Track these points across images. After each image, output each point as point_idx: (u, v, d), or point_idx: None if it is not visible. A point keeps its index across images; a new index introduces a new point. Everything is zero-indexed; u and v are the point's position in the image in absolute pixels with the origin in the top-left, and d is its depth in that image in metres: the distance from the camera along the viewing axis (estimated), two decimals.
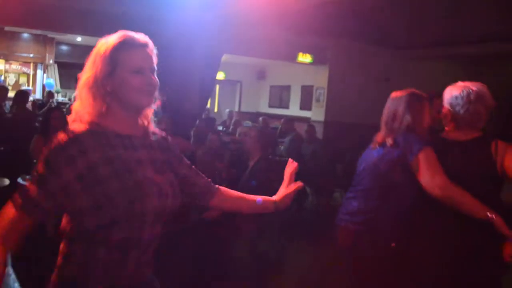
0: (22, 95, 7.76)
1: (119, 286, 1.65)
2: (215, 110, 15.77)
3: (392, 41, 10.54)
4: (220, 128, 10.70)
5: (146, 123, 1.77)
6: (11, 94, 11.22)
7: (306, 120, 10.47)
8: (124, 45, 1.64)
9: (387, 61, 10.74)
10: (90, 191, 1.53)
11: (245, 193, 2.04)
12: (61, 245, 1.66)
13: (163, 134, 1.87)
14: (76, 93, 1.71)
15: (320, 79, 10.88)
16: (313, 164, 7.96)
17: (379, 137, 2.89)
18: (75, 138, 1.55)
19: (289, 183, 2.06)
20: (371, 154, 2.89)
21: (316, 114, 10.98)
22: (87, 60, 1.68)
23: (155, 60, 1.71)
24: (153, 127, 1.81)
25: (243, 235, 5.18)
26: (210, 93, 9.44)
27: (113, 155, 1.59)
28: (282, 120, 9.59)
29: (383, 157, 2.78)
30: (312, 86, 11.45)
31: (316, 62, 10.62)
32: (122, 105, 1.66)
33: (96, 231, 1.56)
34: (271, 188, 5.37)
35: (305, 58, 10.44)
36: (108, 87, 1.62)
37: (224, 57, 10.74)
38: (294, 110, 13.55)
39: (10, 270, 1.52)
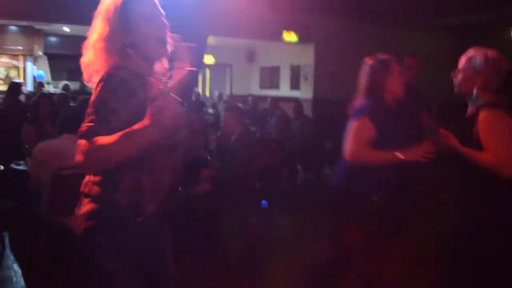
0: (15, 87, 7.87)
1: (156, 210, 1.80)
2: (207, 94, 15.86)
3: (376, 14, 10.61)
4: (211, 111, 10.81)
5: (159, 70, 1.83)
6: (2, 87, 11.38)
7: (296, 99, 10.59)
8: None
9: (371, 35, 10.84)
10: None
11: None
12: (90, 178, 1.76)
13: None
14: (84, 50, 1.76)
15: (306, 57, 10.99)
16: (301, 141, 8.10)
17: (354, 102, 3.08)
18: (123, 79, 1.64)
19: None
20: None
21: (305, 92, 11.11)
22: (93, 20, 1.75)
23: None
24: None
25: (233, 210, 5.34)
26: (197, 75, 9.56)
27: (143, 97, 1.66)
28: (269, 100, 9.70)
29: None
30: (300, 65, 11.56)
31: (301, 40, 10.71)
32: (143, 55, 1.73)
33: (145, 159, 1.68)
34: (254, 163, 5.52)
35: (290, 36, 10.52)
36: (127, 40, 1.70)
37: (213, 41, 10.83)
38: (284, 90, 13.63)
39: (8, 252, 1.61)
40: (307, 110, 9.98)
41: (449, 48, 12.37)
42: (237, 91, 15.19)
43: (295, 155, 8.00)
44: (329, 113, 9.95)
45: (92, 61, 1.73)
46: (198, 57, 9.32)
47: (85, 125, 1.60)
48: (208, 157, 5.50)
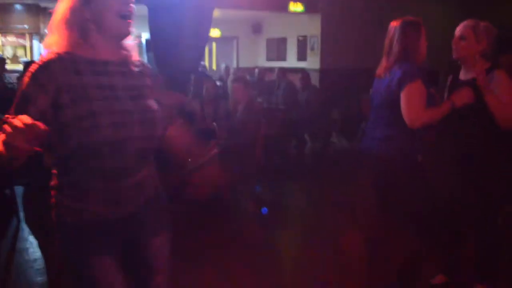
0: (27, 66, 7.94)
1: (116, 213, 1.72)
2: (214, 67, 15.82)
3: None
4: (218, 83, 10.82)
5: (127, 51, 1.80)
6: (9, 66, 11.44)
7: (303, 69, 10.57)
8: None
9: (379, 4, 10.72)
10: (57, 116, 1.59)
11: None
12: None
13: (144, 63, 1.91)
14: (48, 29, 1.71)
15: (313, 27, 10.92)
16: (308, 110, 8.12)
17: (380, 68, 3.02)
18: (45, 65, 1.59)
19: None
20: (379, 85, 3.01)
21: (312, 63, 11.07)
22: None
23: None
24: (136, 57, 1.85)
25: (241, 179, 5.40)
26: (204, 49, 9.52)
27: (75, 82, 1.61)
28: (276, 71, 9.68)
29: (389, 87, 2.89)
30: (307, 36, 11.49)
31: (308, 10, 10.62)
32: (103, 31, 1.67)
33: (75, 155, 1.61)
34: (260, 133, 5.56)
35: (296, 7, 10.44)
36: (87, 14, 1.64)
37: (219, 14, 10.75)
38: (291, 61, 13.56)
39: (24, 225, 1.64)
40: (315, 81, 9.96)
41: (452, 16, 12.23)
42: (244, 63, 15.14)
43: (302, 125, 8.03)
44: (336, 82, 9.95)
45: (55, 39, 1.67)
46: (206, 32, 9.30)
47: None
48: (215, 126, 5.56)
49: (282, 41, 14.09)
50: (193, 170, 2.56)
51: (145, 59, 13.67)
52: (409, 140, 2.88)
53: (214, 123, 5.80)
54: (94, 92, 1.64)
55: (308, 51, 11.22)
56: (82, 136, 1.57)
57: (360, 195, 3.64)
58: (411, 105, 2.76)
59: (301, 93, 8.45)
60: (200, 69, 9.51)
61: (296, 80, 8.94)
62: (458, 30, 3.08)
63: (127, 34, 1.74)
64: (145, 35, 12.79)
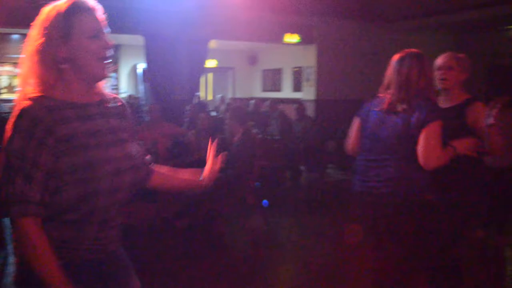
0: None
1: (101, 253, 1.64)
2: (209, 97, 15.88)
3: (378, 15, 10.62)
4: (214, 113, 10.83)
5: (100, 89, 1.69)
6: (5, 96, 11.45)
7: (298, 100, 10.60)
8: (76, 9, 1.55)
9: (373, 35, 10.85)
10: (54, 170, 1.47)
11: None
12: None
13: (118, 99, 1.79)
14: (19, 65, 1.59)
15: (308, 58, 11.00)
16: (304, 141, 8.10)
17: (389, 100, 2.83)
18: (34, 117, 1.45)
19: (213, 160, 2.00)
20: (393, 119, 2.81)
21: (307, 93, 11.11)
22: (31, 28, 1.57)
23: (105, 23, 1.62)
24: (108, 93, 1.73)
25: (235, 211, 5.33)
26: (199, 80, 9.58)
27: (67, 131, 1.51)
28: (268, 102, 9.66)
29: (407, 123, 2.74)
30: (302, 67, 11.58)
31: (303, 41, 10.71)
32: (79, 73, 1.57)
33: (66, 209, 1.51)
34: (255, 164, 5.52)
35: (292, 38, 10.53)
36: (63, 53, 1.53)
37: (215, 45, 10.85)
38: (287, 92, 13.65)
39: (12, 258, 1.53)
40: (310, 111, 9.97)
41: (449, 47, 12.36)
42: (240, 94, 15.22)
43: (298, 155, 8.00)
44: (331, 113, 9.96)
45: (27, 76, 1.54)
46: (201, 63, 9.37)
47: (7, 192, 1.43)
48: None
49: (278, 72, 14.21)
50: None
51: (141, 89, 13.74)
52: (424, 180, 2.77)
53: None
54: (86, 139, 1.54)
55: (304, 81, 11.28)
56: (79, 187, 1.49)
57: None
58: (431, 144, 2.65)
59: (296, 124, 8.44)
60: (195, 100, 9.55)
61: (291, 111, 8.94)
62: (443, 61, 3.12)
63: (103, 77, 1.63)
64: (142, 65, 12.91)
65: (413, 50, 2.86)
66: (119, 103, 1.76)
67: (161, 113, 6.51)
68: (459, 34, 11.80)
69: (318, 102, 10.76)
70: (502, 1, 8.86)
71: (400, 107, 2.75)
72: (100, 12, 1.60)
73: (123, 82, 14.16)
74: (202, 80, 15.49)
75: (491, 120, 2.86)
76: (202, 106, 9.01)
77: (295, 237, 5.57)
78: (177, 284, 4.00)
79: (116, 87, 13.57)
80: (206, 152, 2.03)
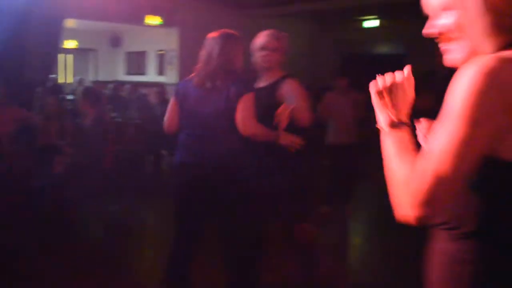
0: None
1: None
2: (70, 80, 15.06)
3: (241, 0, 10.75)
4: (71, 97, 10.27)
5: None
6: None
7: (160, 84, 10.42)
8: None
9: (235, 21, 10.97)
10: None
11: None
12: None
13: None
14: None
15: (171, 42, 10.87)
16: None
17: (201, 77, 2.94)
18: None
19: None
20: (212, 95, 2.91)
21: (171, 77, 10.99)
22: None
23: None
24: None
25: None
26: (53, 61, 9.00)
27: None
28: (128, 86, 9.42)
29: (225, 98, 2.86)
30: (166, 50, 11.43)
31: (166, 24, 10.54)
32: None
33: None
34: (109, 148, 5.33)
35: (153, 20, 10.31)
36: None
37: (75, 24, 10.27)
38: (151, 76, 13.36)
39: None
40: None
41: (306, 34, 12.96)
42: (102, 77, 14.61)
43: (159, 140, 7.86)
44: None
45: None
46: (55, 44, 8.79)
47: None
48: (62, 143, 5.28)
49: (142, 55, 13.85)
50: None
51: None
52: (243, 155, 2.95)
53: (61, 139, 5.48)
54: None
55: (167, 65, 11.14)
56: None
57: None
58: (248, 114, 2.83)
59: (157, 108, 8.28)
60: (49, 82, 8.97)
61: (153, 94, 8.77)
62: (266, 41, 3.19)
63: None
64: None
65: (227, 30, 3.01)
66: None
67: (7, 96, 6.01)
68: (318, 22, 12.39)
69: None
70: None
71: (213, 83, 2.87)
72: None
73: None
74: (61, 62, 14.67)
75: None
76: (56, 89, 8.49)
77: (154, 223, 5.50)
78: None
79: None
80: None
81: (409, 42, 11.75)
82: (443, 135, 1.06)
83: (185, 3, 10.42)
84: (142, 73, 13.87)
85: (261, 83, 3.22)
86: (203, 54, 2.99)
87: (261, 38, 3.22)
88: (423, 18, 1.26)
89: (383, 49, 13.33)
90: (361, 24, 12.70)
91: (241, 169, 2.94)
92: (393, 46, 13.03)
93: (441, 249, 1.22)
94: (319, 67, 12.69)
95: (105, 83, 12.88)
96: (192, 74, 3.02)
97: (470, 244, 1.14)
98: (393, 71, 1.31)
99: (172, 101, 3.09)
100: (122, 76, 14.52)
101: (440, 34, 1.20)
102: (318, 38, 13.62)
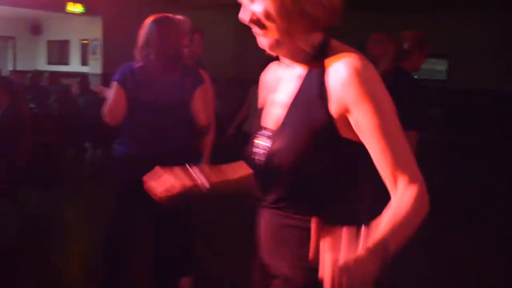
0: None
1: None
2: None
3: None
4: None
5: None
6: None
7: (82, 74, 10.09)
8: None
9: (160, 11, 10.78)
10: None
11: None
12: None
13: None
14: None
15: (95, 31, 10.54)
16: (89, 117, 7.72)
17: (143, 64, 2.84)
18: None
19: None
20: (163, 84, 2.85)
21: (94, 67, 10.66)
22: None
23: None
24: None
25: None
26: None
27: None
28: (47, 75, 9.04)
29: (160, 89, 2.82)
30: (89, 39, 11.06)
31: (88, 12, 10.20)
32: None
33: None
34: (24, 140, 5.08)
35: (75, 7, 9.94)
36: None
37: None
38: (75, 66, 12.88)
39: None
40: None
41: (235, 24, 12.91)
42: (22, 66, 13.94)
43: (81, 132, 7.61)
44: None
45: None
46: None
47: None
48: None
49: (65, 44, 13.33)
50: None
51: None
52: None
53: None
54: None
55: (90, 54, 10.79)
56: None
57: None
58: (203, 105, 2.89)
59: (79, 99, 8.00)
60: None
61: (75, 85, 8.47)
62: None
63: None
64: None
65: (164, 14, 2.98)
66: None
67: None
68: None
69: (104, 76, 10.38)
70: None
71: (164, 72, 2.81)
72: None
73: None
74: None
75: None
76: None
77: (78, 218, 5.32)
78: None
79: None
80: None
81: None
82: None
83: None
84: (65, 63, 13.36)
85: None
86: (141, 39, 2.87)
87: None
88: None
89: None
90: None
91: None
92: None
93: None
94: (248, 58, 12.71)
95: (25, 72, 12.34)
96: (136, 61, 2.87)
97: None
98: None
99: (116, 89, 2.84)
100: (43, 65, 13.92)
101: (251, 20, 1.21)
102: (247, 30, 13.54)
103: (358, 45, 1.29)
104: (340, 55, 1.15)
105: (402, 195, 1.11)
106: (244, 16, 1.23)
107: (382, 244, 1.02)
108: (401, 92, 3.15)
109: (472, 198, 6.16)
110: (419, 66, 3.34)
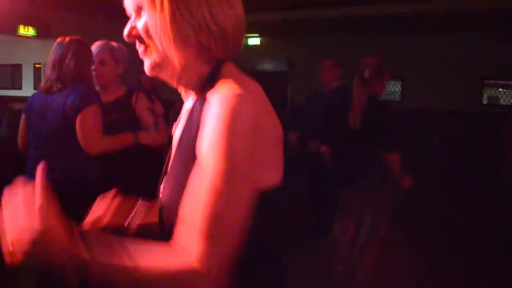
0: None
1: None
2: None
3: (108, 10, 10.43)
4: None
5: None
6: None
7: None
8: None
9: (115, 31, 10.66)
10: None
11: None
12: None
13: None
14: None
15: (48, 54, 10.29)
16: None
17: (46, 82, 2.74)
18: None
19: None
20: (45, 104, 2.69)
21: None
22: None
23: None
24: None
25: None
26: None
27: None
28: None
29: (45, 115, 2.66)
30: (42, 63, 10.80)
31: (40, 35, 9.97)
32: None
33: None
34: None
35: (26, 30, 9.70)
36: None
37: None
38: (28, 90, 12.54)
39: None
40: None
41: None
42: None
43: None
44: None
45: None
46: None
47: None
48: None
49: (17, 68, 12.99)
50: None
51: None
52: (88, 167, 2.72)
53: None
54: None
55: (43, 78, 10.53)
56: None
57: None
58: (87, 129, 2.60)
59: None
60: None
61: None
62: (94, 54, 2.98)
63: None
64: None
65: (74, 37, 2.92)
66: None
67: None
68: None
69: None
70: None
71: (51, 94, 2.67)
72: None
73: None
74: None
75: (159, 111, 3.04)
76: None
77: None
78: None
79: None
80: None
81: (291, 60, 12.12)
82: None
83: (60, 14, 9.93)
84: (18, 87, 12.99)
85: (104, 98, 2.93)
86: (49, 61, 2.82)
87: (93, 47, 3.01)
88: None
89: (266, 66, 13.50)
90: (246, 41, 12.80)
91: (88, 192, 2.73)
92: (276, 63, 13.24)
93: None
94: None
95: None
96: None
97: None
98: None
99: (22, 117, 2.84)
100: None
101: (129, 36, 1.08)
102: None
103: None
104: (222, 83, 0.98)
105: (187, 252, 0.89)
106: (125, 32, 1.10)
107: (100, 258, 0.88)
108: (381, 123, 3.22)
109: (425, 216, 6.26)
110: (381, 92, 3.36)
